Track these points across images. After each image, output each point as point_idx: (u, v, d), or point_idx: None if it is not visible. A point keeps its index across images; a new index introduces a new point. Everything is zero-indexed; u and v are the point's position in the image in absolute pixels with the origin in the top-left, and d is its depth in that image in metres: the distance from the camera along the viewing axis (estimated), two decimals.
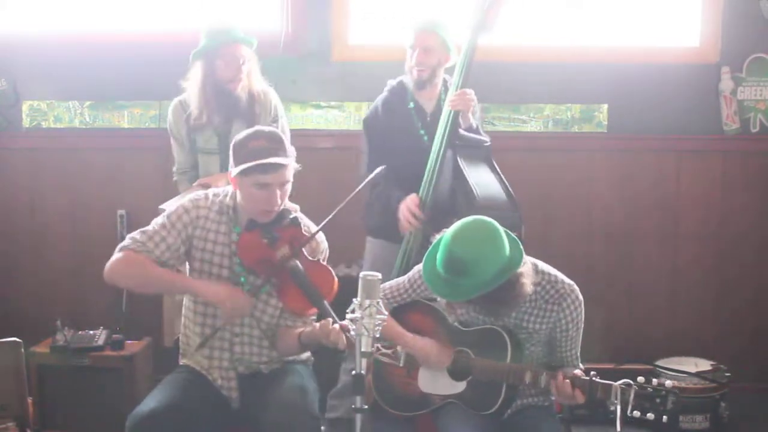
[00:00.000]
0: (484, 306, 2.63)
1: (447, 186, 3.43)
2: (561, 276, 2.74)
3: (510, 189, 3.48)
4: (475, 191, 3.35)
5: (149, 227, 2.76)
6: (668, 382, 2.52)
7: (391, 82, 3.68)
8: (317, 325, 2.63)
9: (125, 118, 4.39)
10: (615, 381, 2.54)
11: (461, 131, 3.48)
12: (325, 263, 2.80)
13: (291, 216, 2.76)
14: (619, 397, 2.48)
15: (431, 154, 3.45)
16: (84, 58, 4.33)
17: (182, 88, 3.68)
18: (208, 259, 2.76)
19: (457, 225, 2.58)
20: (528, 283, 2.57)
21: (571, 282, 2.73)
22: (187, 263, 2.84)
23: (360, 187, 2.80)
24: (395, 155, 3.46)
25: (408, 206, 3.40)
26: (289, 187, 2.72)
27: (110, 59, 4.32)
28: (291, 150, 2.71)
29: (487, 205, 3.30)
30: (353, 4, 4.36)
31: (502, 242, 2.54)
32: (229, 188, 2.80)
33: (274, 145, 2.65)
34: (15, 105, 4.39)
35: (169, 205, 3.48)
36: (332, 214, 2.69)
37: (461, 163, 3.44)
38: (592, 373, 2.58)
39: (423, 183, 3.44)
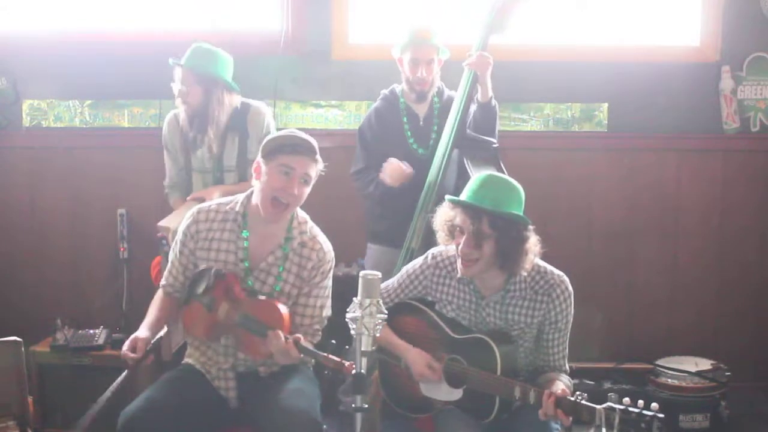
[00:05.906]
0: (497, 249, 2.63)
1: (451, 186, 3.45)
2: (551, 267, 2.76)
3: None
4: None
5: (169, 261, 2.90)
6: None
7: (384, 92, 3.77)
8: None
9: (125, 117, 4.39)
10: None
11: (468, 131, 3.54)
12: (264, 298, 2.75)
13: (212, 271, 2.71)
14: (603, 420, 2.47)
15: (444, 134, 3.52)
16: (84, 58, 4.33)
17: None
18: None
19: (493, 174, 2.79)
20: (533, 255, 2.66)
21: (561, 273, 2.75)
22: None
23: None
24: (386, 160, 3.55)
25: (392, 161, 3.49)
26: (307, 188, 2.74)
27: (110, 58, 4.31)
28: (320, 159, 2.78)
29: None
30: (353, 3, 4.35)
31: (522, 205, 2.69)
32: (241, 196, 2.80)
33: (307, 144, 2.72)
34: (15, 104, 4.39)
35: (166, 222, 3.50)
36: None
37: (466, 162, 3.48)
38: (577, 393, 2.56)
39: (432, 168, 3.50)
